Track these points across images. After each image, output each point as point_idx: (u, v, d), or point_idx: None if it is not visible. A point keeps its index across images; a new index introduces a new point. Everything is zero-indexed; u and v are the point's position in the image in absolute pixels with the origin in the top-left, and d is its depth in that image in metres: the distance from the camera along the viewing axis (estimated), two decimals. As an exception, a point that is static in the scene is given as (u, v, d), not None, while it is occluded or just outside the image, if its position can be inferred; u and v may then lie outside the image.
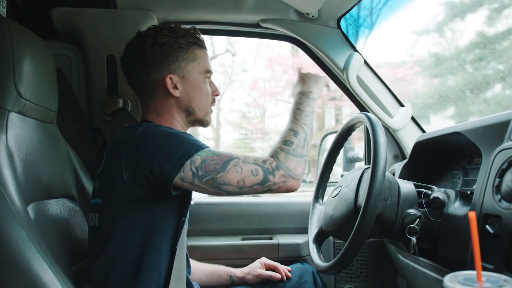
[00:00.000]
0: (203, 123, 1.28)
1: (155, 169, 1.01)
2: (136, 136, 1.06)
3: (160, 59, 1.20)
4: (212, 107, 1.30)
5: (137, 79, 1.24)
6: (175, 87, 1.21)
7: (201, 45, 1.26)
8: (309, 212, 1.41)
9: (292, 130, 1.10)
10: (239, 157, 1.04)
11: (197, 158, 1.01)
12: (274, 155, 1.05)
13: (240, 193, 1.03)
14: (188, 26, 1.28)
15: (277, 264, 1.46)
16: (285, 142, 1.07)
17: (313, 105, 1.18)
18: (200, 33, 1.27)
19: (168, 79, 1.19)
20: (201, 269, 1.45)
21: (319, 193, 1.42)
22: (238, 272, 1.46)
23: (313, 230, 1.35)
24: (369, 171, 1.03)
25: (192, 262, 1.45)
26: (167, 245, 1.09)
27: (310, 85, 1.22)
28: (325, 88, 1.31)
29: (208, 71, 1.26)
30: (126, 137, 1.08)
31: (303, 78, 1.25)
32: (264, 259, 1.48)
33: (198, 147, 1.04)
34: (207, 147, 1.06)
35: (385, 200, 1.10)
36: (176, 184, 1.02)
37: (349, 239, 1.02)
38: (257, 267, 1.45)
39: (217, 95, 1.30)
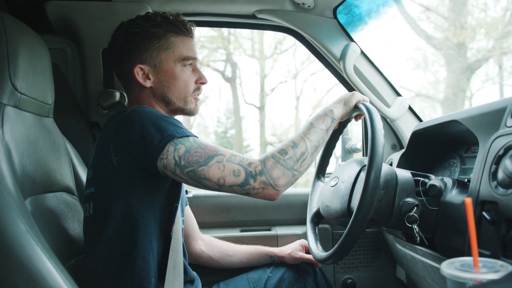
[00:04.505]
0: (186, 112, 1.24)
1: (140, 149, 1.00)
2: (123, 117, 1.05)
3: (131, 49, 1.18)
4: (198, 96, 1.26)
5: (116, 71, 1.25)
6: (147, 78, 1.19)
7: (179, 32, 1.21)
8: (307, 203, 1.41)
9: (293, 142, 1.05)
10: (224, 154, 1.00)
11: (181, 147, 0.99)
12: (263, 160, 1.00)
13: (219, 190, 1.01)
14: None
15: None
16: (280, 150, 1.02)
17: (329, 124, 1.12)
18: (184, 19, 1.23)
19: (137, 70, 1.17)
20: (241, 251, 1.48)
21: (321, 170, 1.42)
22: (278, 251, 1.47)
23: (312, 208, 1.37)
24: (365, 171, 1.02)
25: (232, 245, 1.51)
26: (160, 230, 1.09)
27: (335, 103, 1.18)
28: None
29: (187, 58, 1.21)
30: (114, 121, 1.08)
31: (341, 96, 1.21)
32: (304, 241, 1.48)
33: (182, 132, 1.01)
34: (193, 135, 1.03)
35: (379, 201, 1.10)
36: (159, 169, 1.00)
37: (342, 237, 1.03)
38: (298, 249, 1.46)
39: (202, 83, 1.25)
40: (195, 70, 1.24)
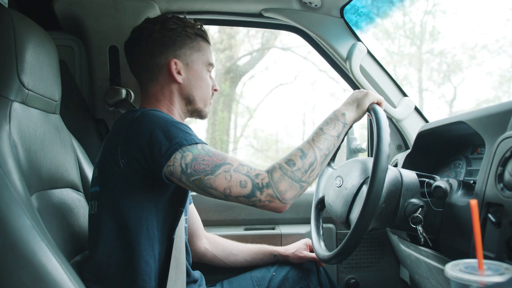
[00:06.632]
0: (202, 114, 1.28)
1: (147, 155, 1.00)
2: (133, 120, 1.05)
3: (167, 43, 1.20)
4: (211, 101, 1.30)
5: (142, 63, 1.23)
6: (179, 73, 1.21)
7: (206, 38, 1.28)
8: (311, 202, 1.41)
9: (301, 151, 1.02)
10: (232, 164, 0.98)
11: (188, 154, 0.98)
12: (270, 171, 0.99)
13: (225, 200, 1.00)
14: (191, 17, 1.29)
15: None
16: (288, 161, 1.00)
17: (340, 129, 1.09)
18: (206, 31, 1.29)
19: (173, 63, 1.20)
20: (245, 250, 1.49)
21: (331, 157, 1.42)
22: (282, 250, 1.48)
23: (318, 193, 1.37)
24: (367, 186, 1.00)
25: (236, 244, 1.52)
26: (163, 234, 1.09)
27: (347, 104, 1.14)
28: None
29: (211, 64, 1.27)
30: (123, 123, 1.07)
31: (353, 95, 1.18)
32: (308, 240, 1.49)
33: (191, 139, 1.01)
34: (202, 142, 1.02)
35: (379, 214, 1.09)
36: (165, 176, 1.00)
37: (344, 240, 1.03)
38: (302, 248, 1.47)
39: (215, 90, 1.30)
40: (211, 76, 1.29)
